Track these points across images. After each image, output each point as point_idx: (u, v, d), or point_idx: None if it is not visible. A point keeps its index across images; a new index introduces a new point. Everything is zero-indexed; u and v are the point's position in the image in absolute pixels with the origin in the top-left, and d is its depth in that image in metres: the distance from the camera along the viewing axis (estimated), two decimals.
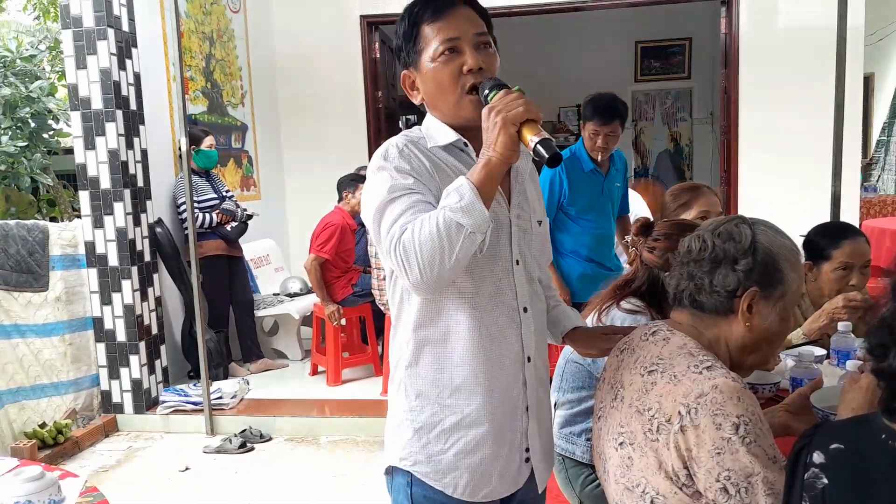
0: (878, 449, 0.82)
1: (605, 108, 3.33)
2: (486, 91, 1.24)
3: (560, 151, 1.17)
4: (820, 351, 2.06)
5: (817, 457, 0.86)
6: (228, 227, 4.62)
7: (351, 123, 5.72)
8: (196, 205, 4.44)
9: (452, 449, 1.33)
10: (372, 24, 5.75)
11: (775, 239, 1.26)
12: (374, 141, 5.73)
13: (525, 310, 1.37)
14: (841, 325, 2.05)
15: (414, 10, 1.33)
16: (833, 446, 0.85)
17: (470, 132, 1.33)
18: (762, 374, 1.92)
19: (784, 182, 5.12)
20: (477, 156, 1.29)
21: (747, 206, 5.21)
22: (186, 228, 4.39)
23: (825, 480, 0.84)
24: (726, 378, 1.14)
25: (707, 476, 1.11)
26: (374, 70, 5.81)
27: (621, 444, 1.27)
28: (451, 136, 1.34)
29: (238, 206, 4.72)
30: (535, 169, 1.46)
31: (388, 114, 6.00)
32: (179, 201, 4.47)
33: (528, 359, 1.38)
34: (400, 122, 6.11)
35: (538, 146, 1.15)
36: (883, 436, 0.82)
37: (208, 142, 4.61)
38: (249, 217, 4.77)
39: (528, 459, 1.41)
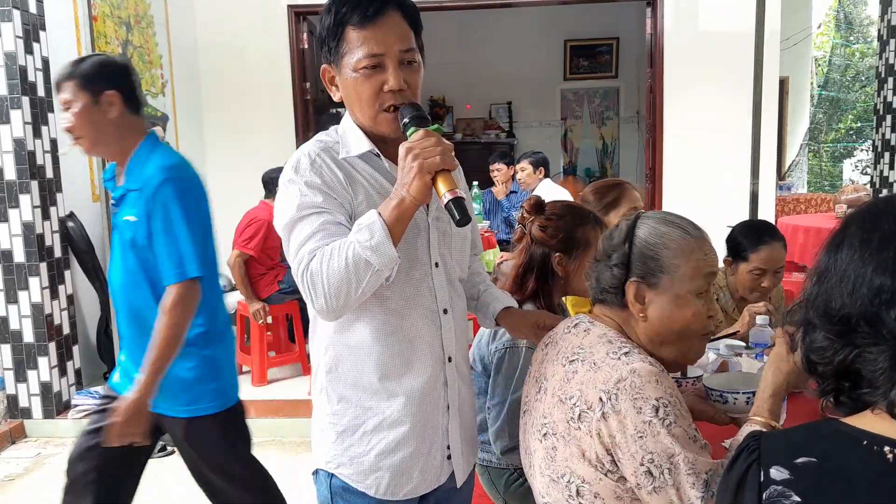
0: (861, 458, 0.76)
1: None
2: (406, 120, 1.24)
3: (468, 215, 1.20)
4: (739, 344, 2.13)
5: (777, 473, 0.79)
6: None
7: (278, 116, 5.58)
8: None
9: (374, 450, 1.35)
10: (300, 15, 5.61)
11: (656, 229, 1.27)
12: (302, 134, 5.60)
13: (445, 311, 1.38)
14: (759, 318, 2.11)
15: (341, 8, 1.27)
16: (801, 460, 0.78)
17: (385, 140, 1.34)
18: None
19: (706, 180, 5.28)
20: (388, 165, 1.32)
21: (671, 204, 5.36)
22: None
23: (797, 498, 0.77)
24: (643, 362, 1.16)
25: (631, 460, 1.13)
26: (302, 62, 5.68)
27: (545, 435, 1.27)
28: (365, 145, 1.33)
29: None
30: (460, 168, 1.45)
31: (316, 106, 5.87)
32: None
33: (449, 359, 1.40)
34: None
35: (451, 204, 1.18)
36: (865, 441, 0.76)
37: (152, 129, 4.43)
38: None
39: (449, 457, 1.43)
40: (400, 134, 1.27)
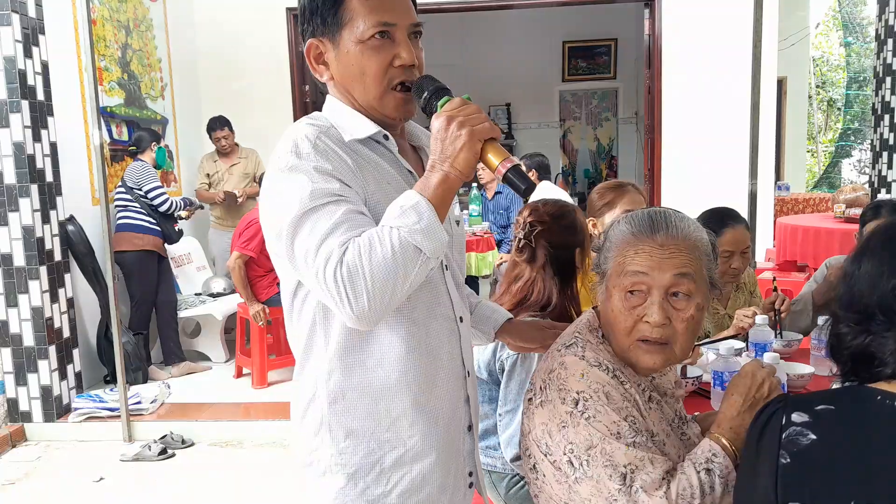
0: (873, 408, 0.90)
1: None
2: (428, 95, 1.11)
3: (531, 181, 1.06)
4: (739, 344, 2.13)
5: (798, 417, 0.92)
6: (176, 228, 4.63)
7: (277, 118, 5.58)
8: (167, 194, 4.54)
9: (396, 489, 1.17)
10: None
11: (617, 223, 1.26)
12: None
13: (461, 319, 1.25)
14: (758, 318, 2.12)
15: None
16: (820, 407, 0.92)
17: (385, 126, 1.19)
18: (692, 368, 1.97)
19: (704, 180, 5.29)
20: (397, 149, 1.19)
21: (670, 204, 5.35)
22: (162, 213, 4.48)
23: (812, 436, 0.90)
24: (575, 356, 1.19)
25: (557, 448, 1.16)
26: (301, 63, 5.69)
27: (521, 412, 1.33)
28: (371, 127, 1.16)
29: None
30: None
31: (315, 108, 5.88)
32: (146, 188, 4.45)
33: (469, 373, 1.27)
34: None
35: (510, 174, 1.04)
36: (878, 397, 0.91)
37: (163, 142, 4.76)
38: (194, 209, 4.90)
39: (471, 485, 1.31)
40: (403, 117, 1.16)
